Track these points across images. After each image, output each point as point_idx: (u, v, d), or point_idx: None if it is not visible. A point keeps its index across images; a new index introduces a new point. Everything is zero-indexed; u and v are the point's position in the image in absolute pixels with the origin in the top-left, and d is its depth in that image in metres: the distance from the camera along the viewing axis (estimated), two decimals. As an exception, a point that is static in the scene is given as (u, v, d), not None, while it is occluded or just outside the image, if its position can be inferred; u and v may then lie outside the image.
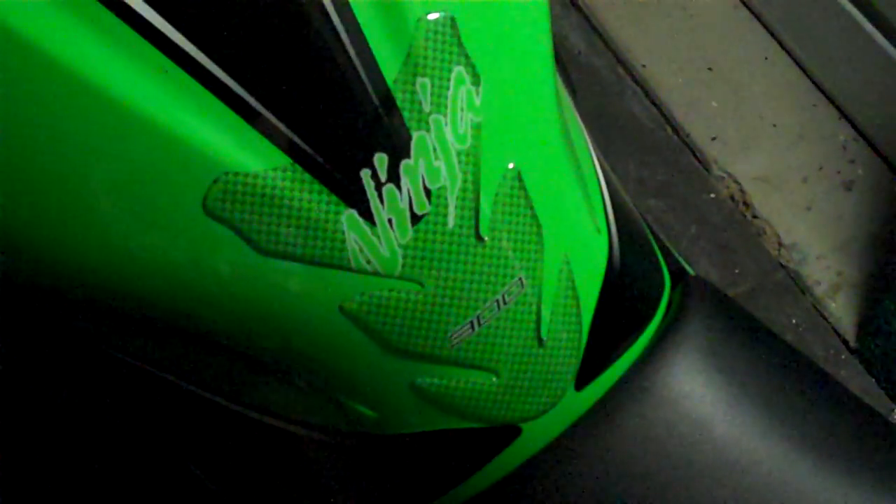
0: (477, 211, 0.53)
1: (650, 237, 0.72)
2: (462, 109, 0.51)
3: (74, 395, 0.73)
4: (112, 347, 0.61)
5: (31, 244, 0.48)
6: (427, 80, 0.50)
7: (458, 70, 0.51)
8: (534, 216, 0.56)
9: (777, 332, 1.58)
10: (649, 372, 0.64)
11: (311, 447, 0.63)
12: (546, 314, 0.58)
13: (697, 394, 0.64)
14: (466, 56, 0.51)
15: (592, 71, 1.94)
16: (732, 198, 1.80)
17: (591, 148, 0.65)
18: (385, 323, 0.53)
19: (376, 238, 0.51)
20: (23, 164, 0.45)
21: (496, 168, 0.53)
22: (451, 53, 0.51)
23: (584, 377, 0.63)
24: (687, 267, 0.77)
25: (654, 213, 1.76)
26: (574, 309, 0.60)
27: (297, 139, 0.48)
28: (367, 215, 0.50)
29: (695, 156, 1.84)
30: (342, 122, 0.49)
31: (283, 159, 0.48)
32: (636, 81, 1.92)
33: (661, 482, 0.62)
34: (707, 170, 1.82)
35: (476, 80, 0.52)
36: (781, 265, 1.73)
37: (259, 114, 0.47)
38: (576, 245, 0.60)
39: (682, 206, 1.77)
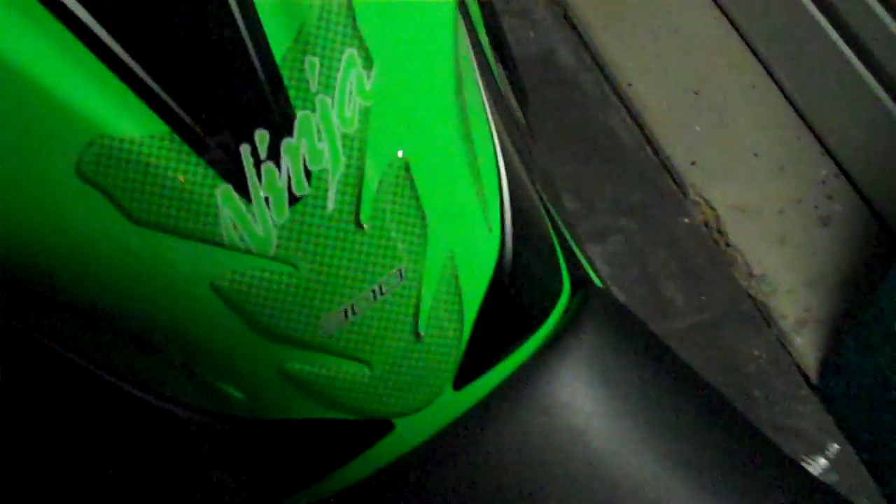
0: (359, 197, 0.52)
1: (555, 242, 0.71)
2: (351, 92, 0.50)
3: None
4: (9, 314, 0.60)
5: None
6: (316, 60, 0.49)
7: (351, 52, 0.50)
8: (419, 208, 0.55)
9: (735, 362, 1.58)
10: (531, 378, 0.63)
11: (189, 428, 0.62)
12: (425, 309, 0.57)
13: (577, 404, 0.63)
14: (360, 39, 0.50)
15: (578, 86, 1.93)
16: (707, 224, 1.79)
17: (498, 147, 0.64)
18: (256, 303, 0.52)
19: (251, 215, 0.50)
20: None
21: (383, 155, 0.53)
22: (344, 35, 0.50)
23: (463, 377, 0.62)
24: (594, 277, 0.75)
25: (625, 234, 1.75)
26: (456, 306, 0.59)
27: (177, 108, 0.47)
28: (244, 191, 0.49)
29: (672, 178, 1.83)
30: (225, 94, 0.48)
31: (162, 128, 0.47)
32: (621, 100, 1.92)
33: (532, 491, 0.61)
34: (684, 194, 1.81)
35: (368, 65, 0.51)
36: (750, 295, 1.72)
37: (140, 79, 0.46)
38: (463, 241, 0.59)
39: (654, 228, 1.77)
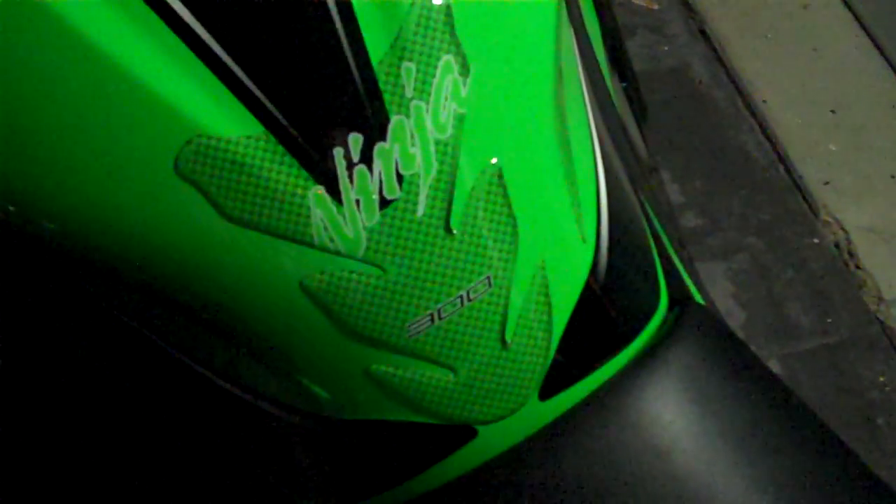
0: (450, 203, 0.52)
1: (655, 256, 0.69)
2: (446, 99, 0.51)
3: (79, 349, 0.74)
4: (106, 304, 0.62)
5: (16, 187, 0.49)
6: (413, 66, 0.49)
7: (447, 59, 0.50)
8: (511, 216, 0.54)
9: (858, 388, 1.54)
10: (620, 392, 0.62)
11: (273, 423, 0.63)
12: (513, 317, 0.57)
13: (666, 422, 0.61)
14: (458, 45, 0.50)
15: (711, 102, 1.90)
16: (837, 245, 1.74)
17: (599, 157, 0.63)
18: (343, 304, 0.53)
19: (342, 217, 0.50)
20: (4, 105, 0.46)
21: (476, 161, 0.53)
22: (441, 41, 0.50)
23: (549, 388, 0.61)
24: (695, 293, 0.74)
25: (753, 252, 1.72)
26: (545, 316, 0.58)
27: (273, 109, 0.48)
28: (335, 194, 0.50)
29: (804, 198, 1.79)
30: (321, 97, 0.48)
31: (258, 128, 0.48)
32: (754, 116, 1.88)
33: None
34: (815, 214, 1.77)
35: (465, 72, 0.51)
36: (878, 320, 1.67)
37: (239, 80, 0.47)
38: (555, 251, 0.58)
39: (782, 248, 1.73)
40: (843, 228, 1.75)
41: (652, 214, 0.73)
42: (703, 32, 2.00)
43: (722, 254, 1.71)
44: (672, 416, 0.62)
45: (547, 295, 0.58)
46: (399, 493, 0.63)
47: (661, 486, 0.60)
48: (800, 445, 0.65)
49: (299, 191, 0.49)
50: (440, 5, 0.50)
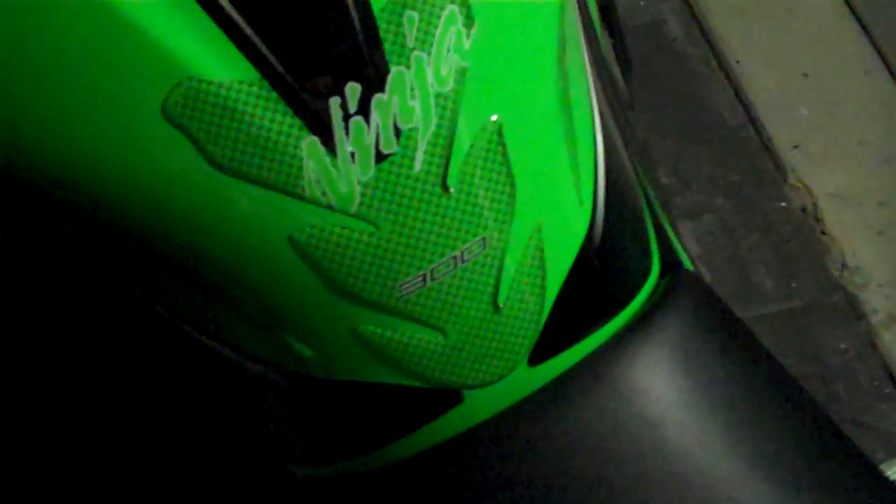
0: (447, 159, 0.51)
1: (647, 220, 0.68)
2: (448, 51, 0.49)
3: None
4: (89, 254, 0.60)
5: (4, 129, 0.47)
6: (416, 14, 0.48)
7: (452, 9, 0.48)
8: (509, 175, 0.53)
9: (819, 353, 1.55)
10: (610, 360, 0.61)
11: (255, 380, 0.61)
12: (506, 280, 0.56)
13: (656, 392, 0.61)
14: None
15: (685, 59, 1.89)
16: (804, 209, 1.74)
17: (597, 117, 0.62)
18: (333, 261, 0.51)
19: (335, 170, 0.49)
20: None
21: (476, 118, 0.51)
22: None
23: (539, 353, 0.60)
24: (685, 260, 0.73)
25: (719, 213, 1.71)
26: (538, 280, 0.57)
27: (269, 54, 0.46)
28: (330, 145, 0.48)
29: (773, 161, 1.78)
30: (319, 44, 0.47)
31: (252, 73, 0.47)
32: (727, 76, 1.87)
33: (600, 477, 0.60)
34: (783, 177, 1.77)
35: (469, 23, 0.49)
36: (841, 287, 1.68)
37: (234, 22, 0.46)
38: (552, 213, 0.57)
39: (749, 210, 1.73)
40: (810, 193, 1.75)
41: (642, 175, 0.72)
42: (679, -12, 1.98)
43: (689, 214, 1.70)
44: (663, 387, 0.61)
45: (542, 259, 0.57)
46: (382, 456, 0.62)
47: (648, 457, 0.60)
48: (786, 418, 0.65)
49: (292, 140, 0.48)
50: None
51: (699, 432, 0.61)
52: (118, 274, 0.60)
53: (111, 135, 0.47)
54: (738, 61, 1.88)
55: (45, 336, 0.78)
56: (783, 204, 1.74)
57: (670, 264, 0.70)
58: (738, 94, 1.86)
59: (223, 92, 0.46)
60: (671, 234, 0.73)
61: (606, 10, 0.93)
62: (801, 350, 1.61)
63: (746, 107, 1.84)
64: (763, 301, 1.65)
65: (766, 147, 1.80)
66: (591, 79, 0.63)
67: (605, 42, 0.90)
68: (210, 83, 0.46)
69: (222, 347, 0.60)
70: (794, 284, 1.67)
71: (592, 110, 0.62)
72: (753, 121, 1.83)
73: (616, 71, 0.92)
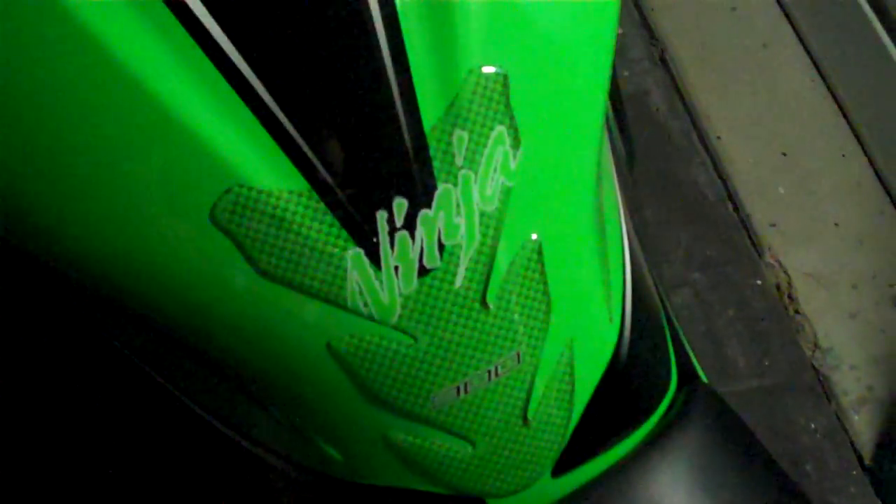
0: (488, 277, 0.51)
1: (667, 333, 0.69)
2: (495, 170, 0.49)
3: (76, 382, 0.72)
4: (110, 336, 0.60)
5: (46, 216, 0.47)
6: (465, 134, 0.48)
7: (500, 130, 0.49)
8: (546, 293, 0.54)
9: (790, 432, 1.56)
10: (631, 473, 0.62)
11: (278, 478, 0.61)
12: (537, 394, 0.56)
13: None
14: (511, 117, 0.49)
15: (666, 132, 1.91)
16: (779, 287, 1.76)
17: (624, 227, 0.63)
18: (370, 369, 0.52)
19: (378, 282, 0.49)
20: (46, 136, 0.44)
21: (517, 236, 0.52)
22: (496, 111, 0.49)
23: (563, 464, 0.60)
24: (700, 371, 0.74)
25: (696, 288, 1.73)
26: (568, 395, 0.58)
27: (319, 166, 0.47)
28: (374, 258, 0.49)
29: (750, 238, 1.80)
30: (369, 158, 0.47)
31: (301, 183, 0.47)
32: (708, 151, 1.89)
33: None
34: (759, 255, 1.79)
35: (516, 143, 0.50)
36: (813, 367, 1.69)
37: (287, 132, 0.46)
38: (583, 331, 0.58)
39: (725, 286, 1.74)
40: (785, 272, 1.77)
41: (662, 290, 0.73)
42: (663, 60, 2.00)
43: (666, 287, 1.72)
44: (682, 502, 0.61)
45: (571, 374, 0.57)
46: None
47: None
48: None
49: (338, 251, 0.48)
50: (497, 74, 0.48)
51: None
52: (128, 349, 0.60)
53: (157, 236, 0.47)
54: (719, 137, 1.90)
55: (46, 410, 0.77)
56: (759, 281, 1.76)
57: (687, 376, 0.71)
58: (718, 169, 1.88)
59: (272, 200, 0.47)
60: (686, 345, 0.74)
61: (616, 108, 0.93)
62: (773, 428, 1.62)
63: (726, 182, 1.86)
64: (737, 377, 1.66)
65: (744, 223, 1.82)
66: (620, 198, 0.64)
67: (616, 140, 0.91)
68: (260, 191, 0.46)
69: (249, 444, 0.60)
70: (766, 362, 1.68)
71: (621, 225, 0.62)
72: (732, 197, 1.85)
73: (624, 167, 0.93)
